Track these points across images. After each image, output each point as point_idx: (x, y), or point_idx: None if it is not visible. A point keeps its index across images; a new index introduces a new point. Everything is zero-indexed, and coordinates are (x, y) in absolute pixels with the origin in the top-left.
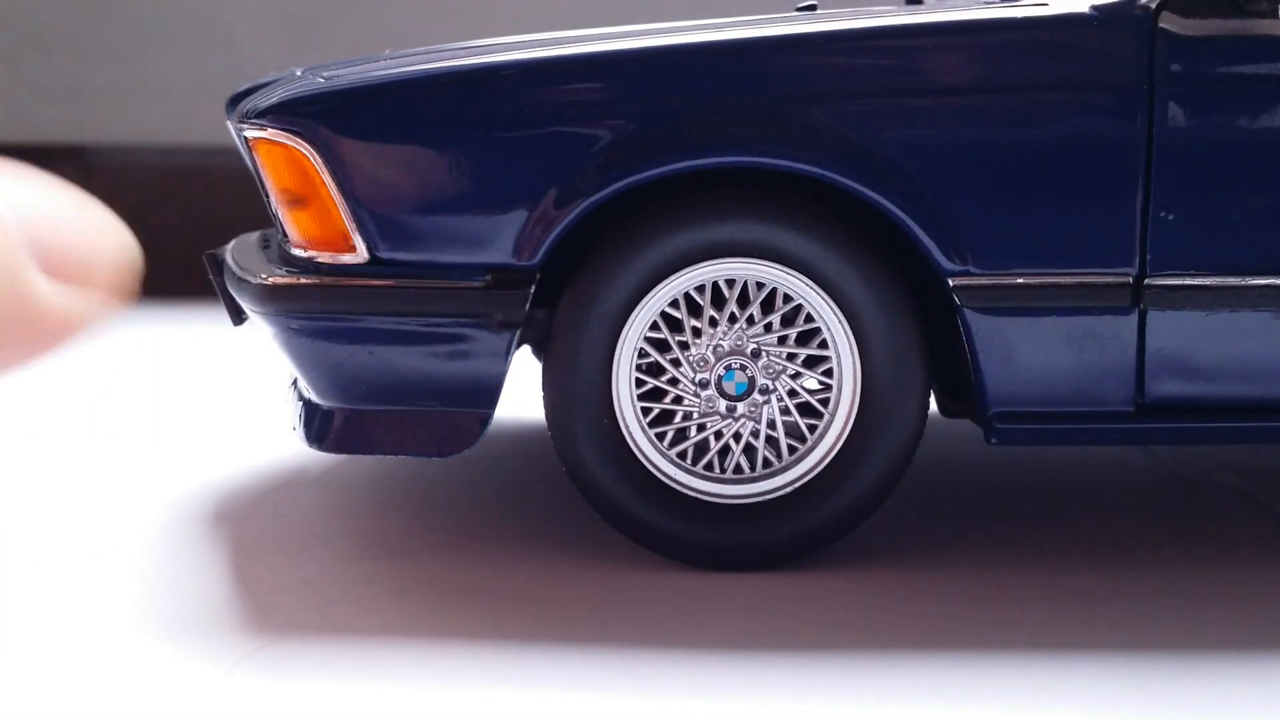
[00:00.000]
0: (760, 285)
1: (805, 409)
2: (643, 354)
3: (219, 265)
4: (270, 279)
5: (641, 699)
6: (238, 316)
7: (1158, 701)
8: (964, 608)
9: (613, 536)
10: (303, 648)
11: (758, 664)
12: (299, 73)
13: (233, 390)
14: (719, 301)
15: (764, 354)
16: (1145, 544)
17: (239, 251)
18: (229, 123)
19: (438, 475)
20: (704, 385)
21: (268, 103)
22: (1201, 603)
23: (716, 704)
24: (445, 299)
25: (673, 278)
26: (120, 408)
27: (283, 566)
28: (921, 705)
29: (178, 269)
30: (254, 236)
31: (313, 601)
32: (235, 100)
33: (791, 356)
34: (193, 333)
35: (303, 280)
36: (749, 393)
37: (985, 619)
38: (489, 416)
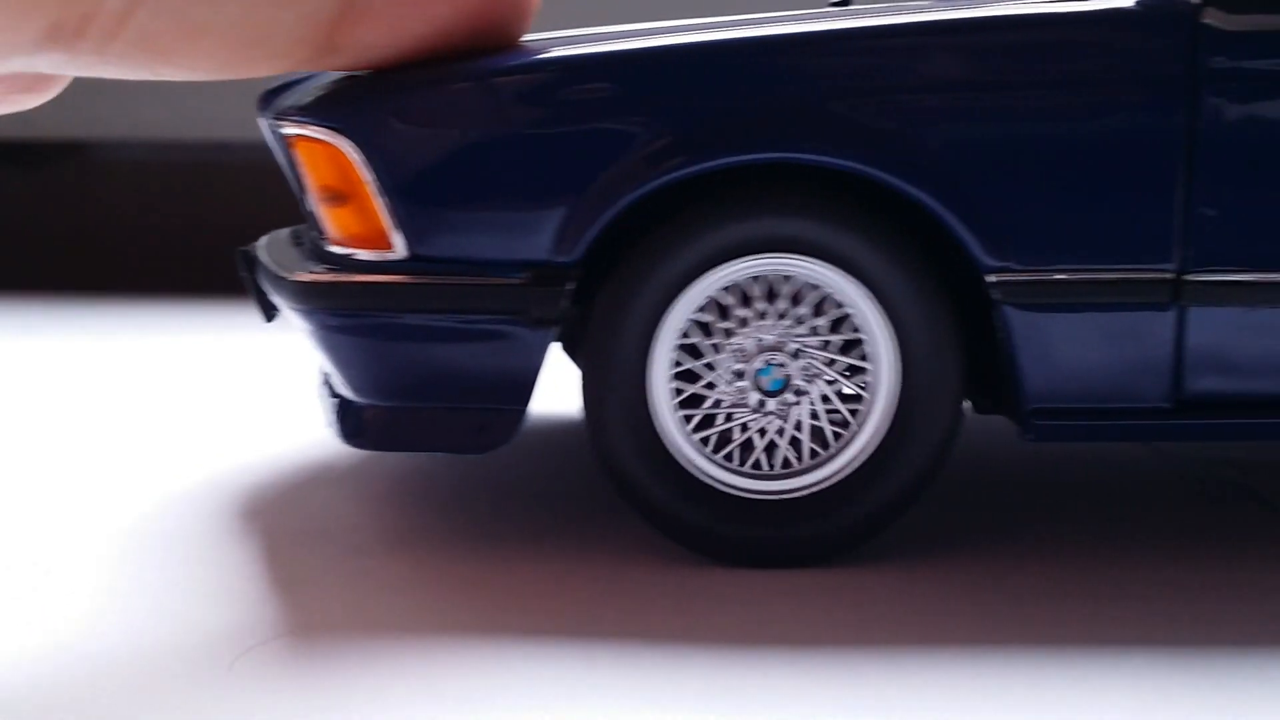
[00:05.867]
0: (815, 287)
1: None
2: (678, 363)
3: (251, 262)
4: (309, 276)
5: (643, 697)
6: (269, 313)
7: (1161, 698)
8: (964, 605)
9: (631, 533)
10: (306, 642)
11: (762, 663)
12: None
13: (251, 386)
14: (750, 300)
15: (801, 353)
16: (1148, 540)
17: (272, 248)
18: (261, 120)
19: (455, 470)
20: (740, 378)
21: (307, 100)
22: (1205, 599)
23: (723, 702)
24: (483, 296)
25: (709, 273)
26: (138, 404)
27: (289, 561)
28: (923, 702)
29: (189, 264)
30: (285, 233)
31: (317, 596)
32: (268, 97)
33: (831, 361)
34: (207, 328)
35: (341, 277)
36: (784, 390)
37: (986, 616)
38: (523, 413)
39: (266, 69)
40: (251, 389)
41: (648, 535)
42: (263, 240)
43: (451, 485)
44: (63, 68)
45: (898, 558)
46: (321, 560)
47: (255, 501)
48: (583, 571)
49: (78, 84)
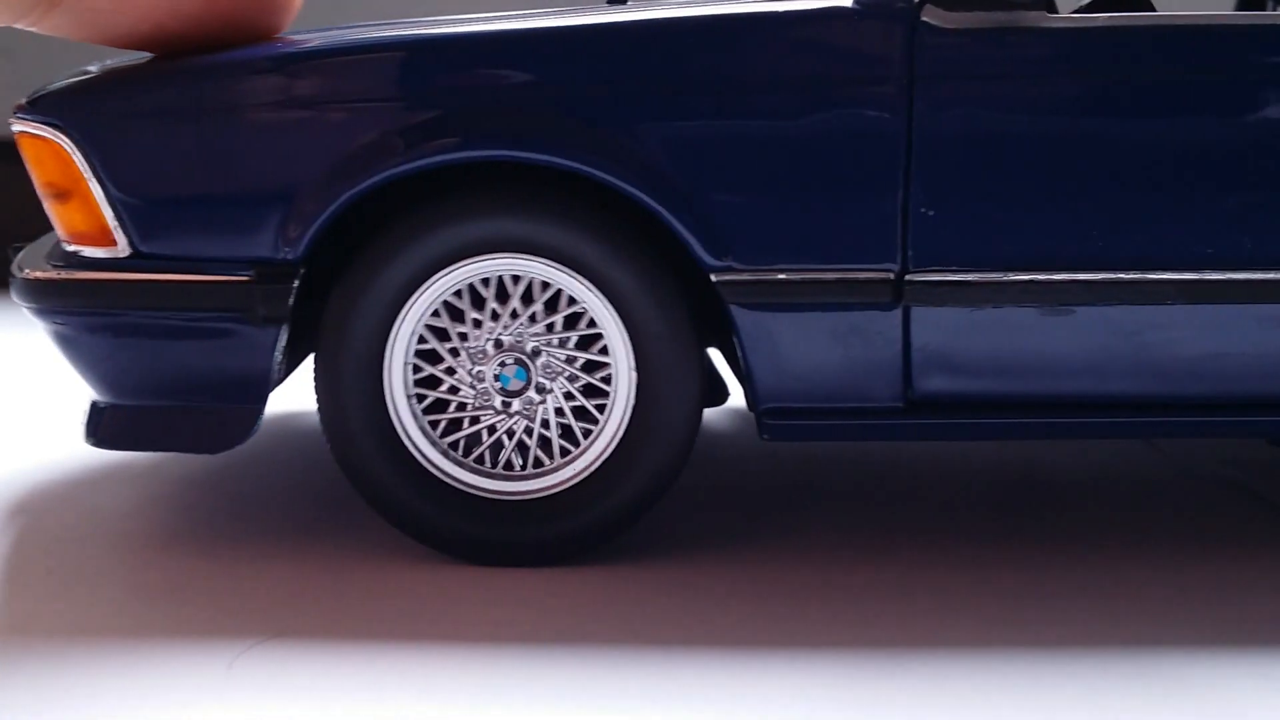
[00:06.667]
0: (546, 285)
1: (581, 411)
2: (420, 352)
3: (6, 261)
4: (33, 274)
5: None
6: None
7: (1154, 696)
8: (959, 603)
9: (374, 536)
10: (306, 643)
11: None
12: (93, 68)
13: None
14: (501, 297)
15: (542, 352)
16: (1143, 538)
17: (41, 245)
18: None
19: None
20: (480, 380)
21: (30, 96)
22: (1201, 597)
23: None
24: (207, 294)
25: (440, 274)
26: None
27: (286, 562)
28: (925, 701)
29: None
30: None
31: (315, 597)
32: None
33: (570, 359)
34: None
35: (64, 275)
36: (525, 389)
37: (980, 614)
38: (259, 412)
39: None
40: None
41: (395, 536)
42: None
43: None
44: None
45: (896, 556)
46: (321, 563)
47: (253, 501)
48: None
49: None
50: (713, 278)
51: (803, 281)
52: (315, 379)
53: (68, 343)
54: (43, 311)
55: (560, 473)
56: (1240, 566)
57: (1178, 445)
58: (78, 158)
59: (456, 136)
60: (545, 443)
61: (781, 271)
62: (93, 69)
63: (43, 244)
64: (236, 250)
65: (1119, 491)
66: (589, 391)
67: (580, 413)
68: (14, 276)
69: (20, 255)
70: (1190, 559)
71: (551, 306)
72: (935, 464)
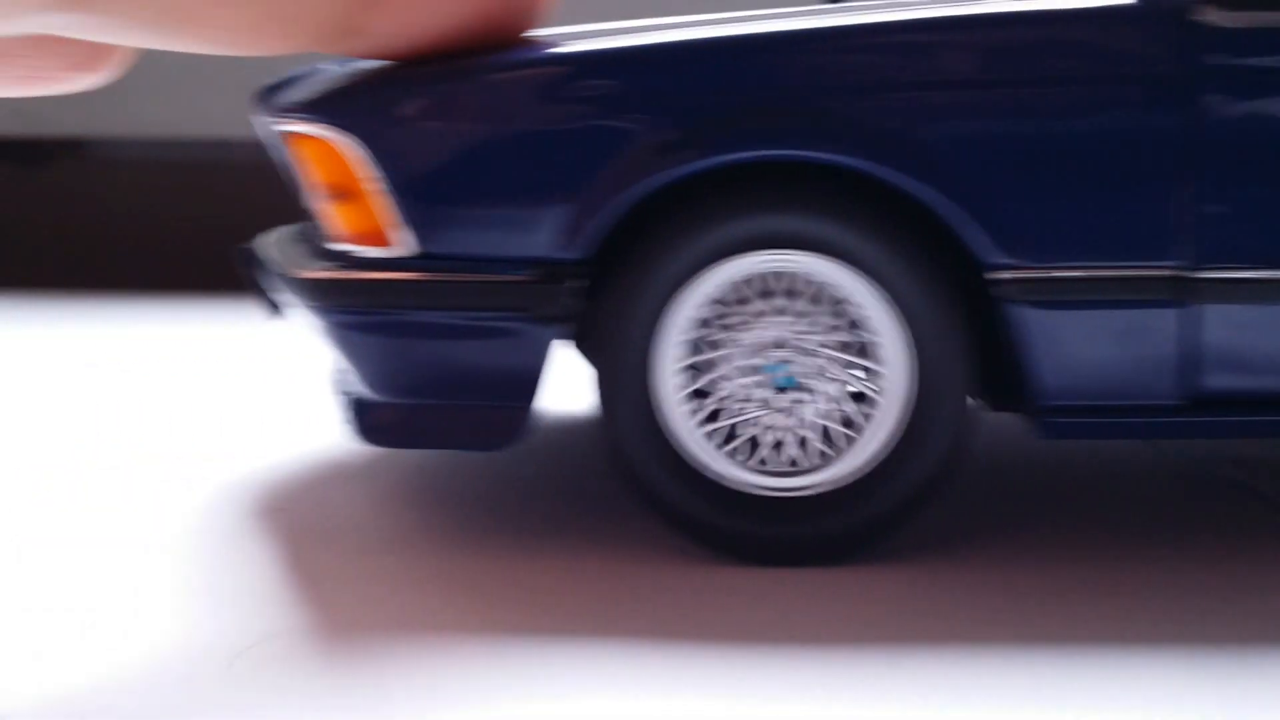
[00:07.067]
0: (810, 281)
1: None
2: (689, 347)
3: (251, 259)
4: (313, 274)
5: (651, 696)
6: (275, 309)
7: (1155, 696)
8: (961, 602)
9: (641, 530)
10: (306, 641)
11: (777, 661)
12: (327, 67)
13: (258, 384)
14: (767, 295)
15: (812, 350)
16: (1147, 538)
17: (279, 245)
18: (258, 117)
19: (467, 468)
20: (748, 375)
21: (309, 97)
22: (1206, 598)
23: (738, 698)
24: (488, 293)
25: (714, 269)
26: (144, 403)
27: (290, 560)
28: (921, 698)
29: (190, 262)
30: (289, 230)
31: (318, 595)
32: (265, 94)
33: (845, 361)
34: (202, 326)
35: (345, 275)
36: (794, 388)
37: (983, 613)
38: (531, 410)
39: (281, 46)
40: (258, 386)
41: (659, 532)
42: (266, 237)
43: (463, 482)
44: (75, 29)
45: (895, 554)
46: (330, 558)
47: (268, 500)
48: (592, 568)
49: None
50: (992, 276)
51: (1083, 279)
52: (591, 376)
53: (344, 341)
54: (320, 310)
55: (832, 470)
56: (1241, 566)
57: (1179, 445)
58: (361, 159)
59: (744, 136)
60: (818, 439)
61: (1062, 269)
62: (326, 68)
63: (282, 243)
64: (518, 249)
65: (1119, 491)
66: (857, 395)
67: (856, 404)
68: (288, 276)
69: (267, 255)
70: (1191, 559)
71: (816, 303)
72: None
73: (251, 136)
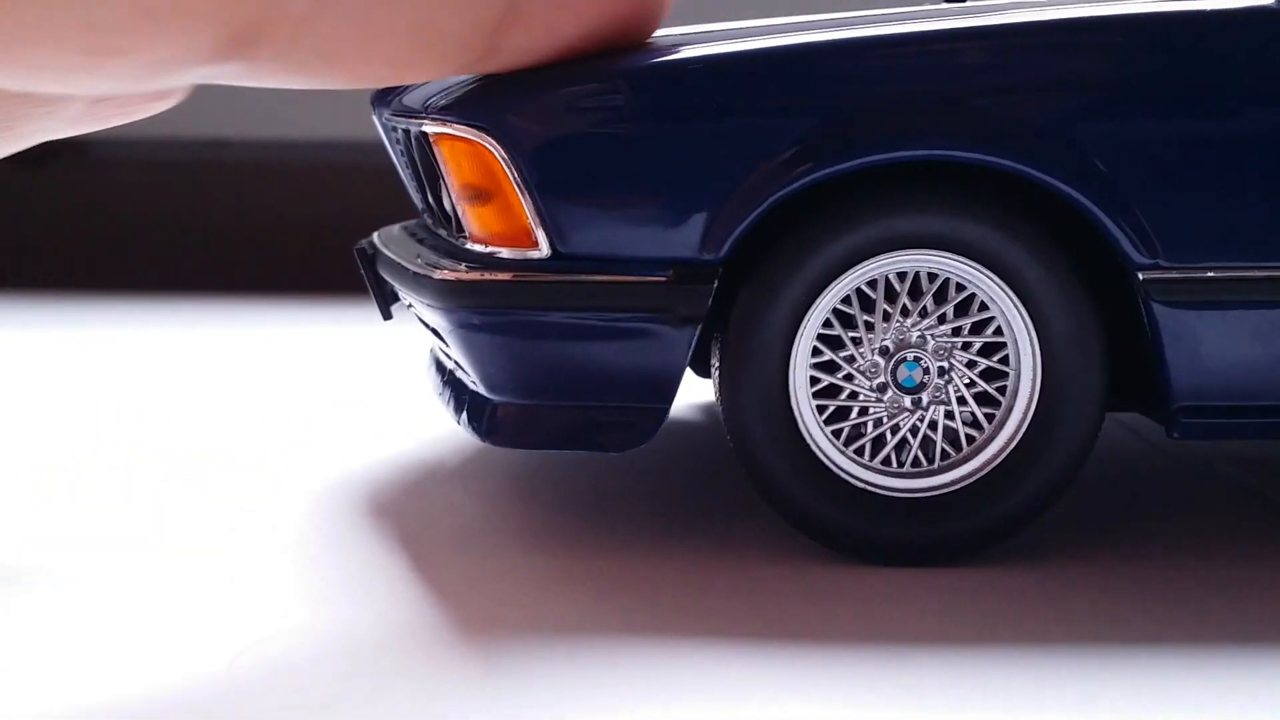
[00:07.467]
0: (933, 277)
1: (980, 402)
2: (817, 351)
3: (369, 258)
4: (452, 274)
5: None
6: (387, 311)
7: (1155, 697)
8: (962, 602)
9: (763, 532)
10: (306, 641)
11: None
12: None
13: (251, 385)
14: (892, 296)
15: (942, 350)
16: (1147, 538)
17: (396, 246)
18: (378, 118)
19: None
20: (876, 375)
21: (449, 99)
22: (1207, 598)
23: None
24: (628, 293)
25: (853, 270)
26: (163, 402)
27: (298, 560)
28: (920, 698)
29: (188, 262)
30: (397, 228)
31: (319, 594)
32: (384, 94)
33: (970, 362)
34: (202, 327)
35: (485, 275)
36: (922, 387)
37: (984, 613)
38: (665, 412)
39: (431, 73)
40: (259, 387)
41: (782, 534)
42: (375, 236)
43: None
44: (238, 78)
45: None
46: (342, 560)
47: (260, 500)
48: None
49: None
50: (1139, 275)
51: (1230, 279)
52: (721, 371)
53: (476, 343)
54: (453, 310)
55: (959, 470)
56: (1241, 566)
57: (1179, 445)
58: (502, 160)
59: (888, 137)
60: (945, 439)
61: (1209, 270)
62: None
63: (396, 242)
64: (658, 251)
65: (1119, 491)
66: (983, 395)
67: (981, 405)
68: (421, 276)
69: (391, 254)
70: (1192, 559)
71: (940, 299)
72: None
73: (251, 137)
